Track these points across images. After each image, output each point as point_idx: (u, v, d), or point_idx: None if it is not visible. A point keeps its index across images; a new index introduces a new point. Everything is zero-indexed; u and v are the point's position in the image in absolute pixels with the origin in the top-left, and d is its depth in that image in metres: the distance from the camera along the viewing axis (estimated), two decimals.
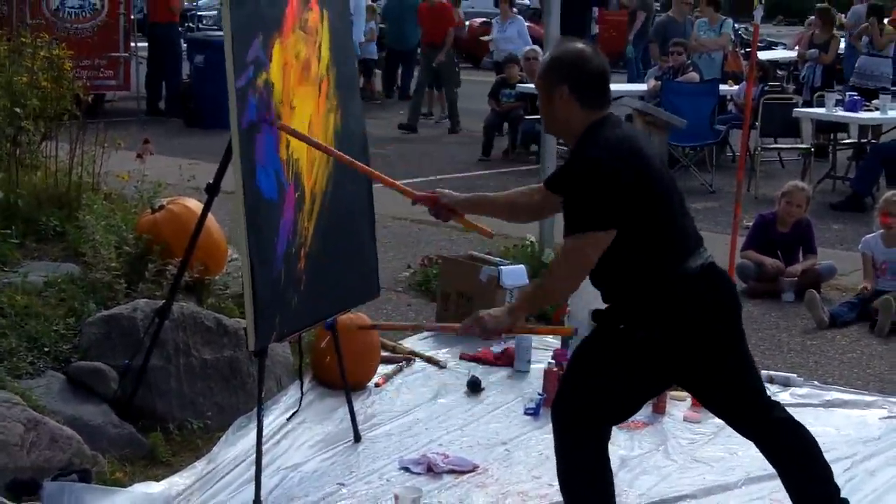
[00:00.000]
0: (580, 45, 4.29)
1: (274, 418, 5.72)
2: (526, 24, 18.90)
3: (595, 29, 22.59)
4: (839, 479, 5.29)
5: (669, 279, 4.11)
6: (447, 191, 4.73)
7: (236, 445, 5.40)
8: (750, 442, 5.59)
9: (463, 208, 4.67)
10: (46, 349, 5.57)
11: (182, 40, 18.17)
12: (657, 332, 4.13)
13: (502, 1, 18.33)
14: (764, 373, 6.65)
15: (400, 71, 21.13)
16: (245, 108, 4.63)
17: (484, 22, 26.75)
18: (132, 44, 16.95)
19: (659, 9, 22.74)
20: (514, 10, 18.82)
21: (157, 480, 4.94)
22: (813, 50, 16.04)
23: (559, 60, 4.22)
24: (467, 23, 24.46)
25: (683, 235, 4.20)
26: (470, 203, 4.70)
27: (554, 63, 4.22)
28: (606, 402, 4.24)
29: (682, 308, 4.13)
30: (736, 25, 17.04)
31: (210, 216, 5.63)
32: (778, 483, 5.24)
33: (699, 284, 4.16)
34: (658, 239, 4.10)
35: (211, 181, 5.16)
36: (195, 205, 6.47)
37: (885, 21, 15.69)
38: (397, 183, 4.98)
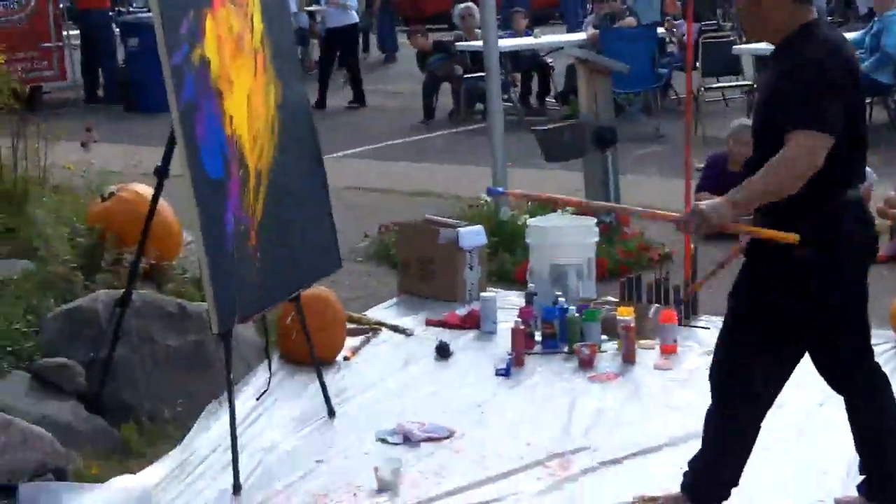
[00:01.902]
0: None
1: (245, 400, 5.68)
2: None
3: None
4: (814, 414, 5.36)
5: (840, 202, 4.00)
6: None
7: (210, 431, 5.36)
8: None
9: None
10: (9, 349, 5.47)
11: (114, 24, 17.89)
12: (824, 255, 3.99)
13: None
14: None
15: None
16: (182, 86, 4.57)
17: None
18: (63, 32, 16.71)
19: None
20: None
21: (134, 473, 4.89)
22: None
23: None
24: None
25: (859, 162, 4.10)
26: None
27: None
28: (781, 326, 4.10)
29: (848, 234, 4.02)
30: None
31: (162, 200, 5.56)
32: None
33: (860, 215, 4.10)
34: (843, 158, 3.94)
35: (159, 164, 5.10)
36: (145, 190, 6.39)
37: None
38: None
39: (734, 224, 4.01)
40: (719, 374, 4.29)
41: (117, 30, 17.59)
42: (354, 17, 16.72)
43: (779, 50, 4.11)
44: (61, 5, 16.98)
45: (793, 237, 3.90)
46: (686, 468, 4.44)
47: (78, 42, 17.19)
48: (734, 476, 4.34)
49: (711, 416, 4.35)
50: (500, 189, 4.40)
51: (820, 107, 3.87)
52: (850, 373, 4.31)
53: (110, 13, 18.42)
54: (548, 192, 8.64)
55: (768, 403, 4.30)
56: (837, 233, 4.01)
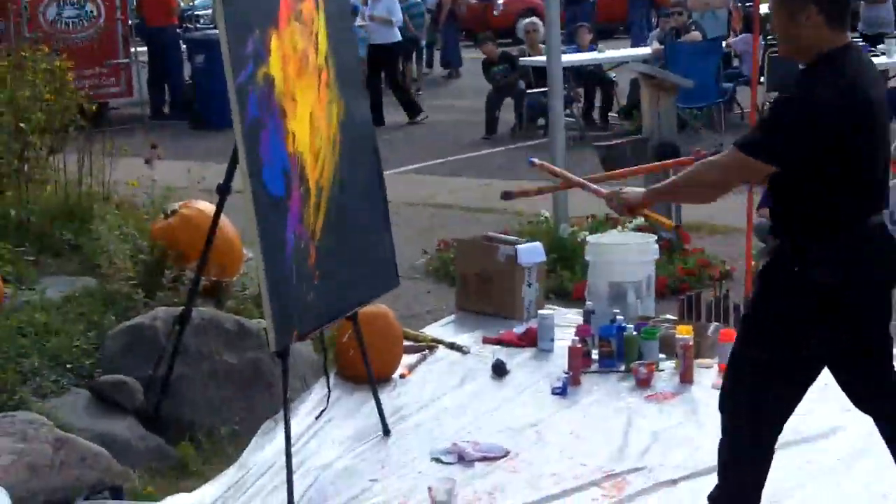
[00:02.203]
0: None
1: (301, 418, 5.70)
2: None
3: None
4: (875, 436, 5.27)
5: (854, 230, 4.00)
6: (629, 188, 4.45)
7: (265, 449, 5.38)
8: None
9: (648, 199, 4.39)
10: (69, 366, 5.55)
11: (181, 41, 18.09)
12: (839, 275, 3.97)
13: None
14: None
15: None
16: (246, 104, 4.61)
17: None
18: (132, 49, 16.90)
19: None
20: None
21: (189, 491, 4.92)
22: None
23: None
24: None
25: (877, 188, 4.08)
26: (654, 195, 4.43)
27: None
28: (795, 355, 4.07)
29: (867, 257, 4.01)
30: None
31: (223, 217, 5.61)
32: (812, 446, 5.24)
33: (879, 240, 4.07)
34: (851, 186, 3.96)
35: (221, 182, 5.14)
36: (208, 207, 6.44)
37: None
38: (591, 185, 4.77)
39: (643, 209, 4.45)
40: (729, 402, 4.21)
41: (184, 47, 17.80)
42: (398, 35, 16.69)
43: (804, 72, 4.06)
44: (130, 22, 17.16)
45: (669, 223, 4.83)
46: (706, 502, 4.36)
47: (145, 59, 17.38)
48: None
49: (724, 447, 4.27)
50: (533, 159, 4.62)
51: (767, 136, 3.95)
52: (872, 396, 4.25)
53: (178, 30, 18.63)
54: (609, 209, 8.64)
55: (779, 430, 4.21)
56: (851, 256, 3.98)
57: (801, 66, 4.08)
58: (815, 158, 3.90)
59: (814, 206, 3.96)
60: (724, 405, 4.23)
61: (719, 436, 5.11)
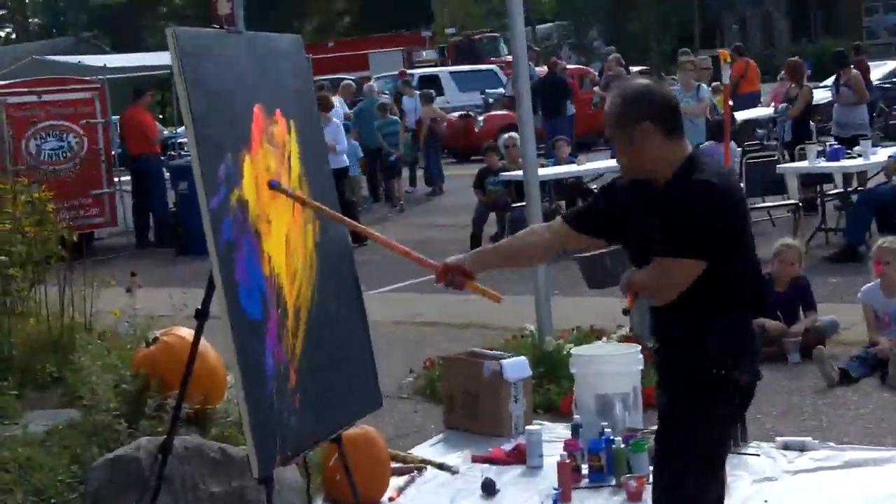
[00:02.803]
0: (640, 80, 4.32)
1: None
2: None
3: (572, 109, 22.72)
4: None
5: (745, 321, 4.19)
6: (452, 257, 4.69)
7: None
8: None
9: (472, 266, 4.59)
10: (53, 501, 5.49)
11: (164, 168, 18.22)
12: (749, 375, 4.23)
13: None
14: (779, 439, 6.62)
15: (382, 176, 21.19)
16: (221, 228, 4.62)
17: (463, 115, 26.99)
18: (115, 178, 17.01)
19: None
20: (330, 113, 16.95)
21: None
22: (783, 105, 16.11)
23: (633, 98, 4.15)
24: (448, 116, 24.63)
25: (751, 280, 4.25)
26: (480, 258, 4.66)
27: (628, 102, 4.15)
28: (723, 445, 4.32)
29: (754, 351, 4.22)
30: (709, 87, 17.14)
31: (206, 343, 5.59)
32: None
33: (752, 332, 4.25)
34: (742, 277, 4.14)
35: (198, 307, 5.13)
36: (189, 333, 6.40)
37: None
38: (410, 251, 5.00)
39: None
40: (671, 497, 4.28)
41: (167, 174, 17.91)
42: (344, 161, 16.73)
43: (666, 188, 4.13)
44: (113, 152, 17.29)
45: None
46: None
47: (128, 188, 17.48)
48: None
49: None
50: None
51: (706, 239, 4.05)
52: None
53: (161, 158, 18.76)
54: (594, 320, 8.64)
55: None
56: (750, 351, 4.20)
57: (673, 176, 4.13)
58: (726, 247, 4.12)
59: (720, 299, 4.11)
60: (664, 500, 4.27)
61: None
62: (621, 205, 4.32)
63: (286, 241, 5.09)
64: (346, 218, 5.26)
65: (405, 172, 21.96)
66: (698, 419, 4.18)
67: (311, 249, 5.30)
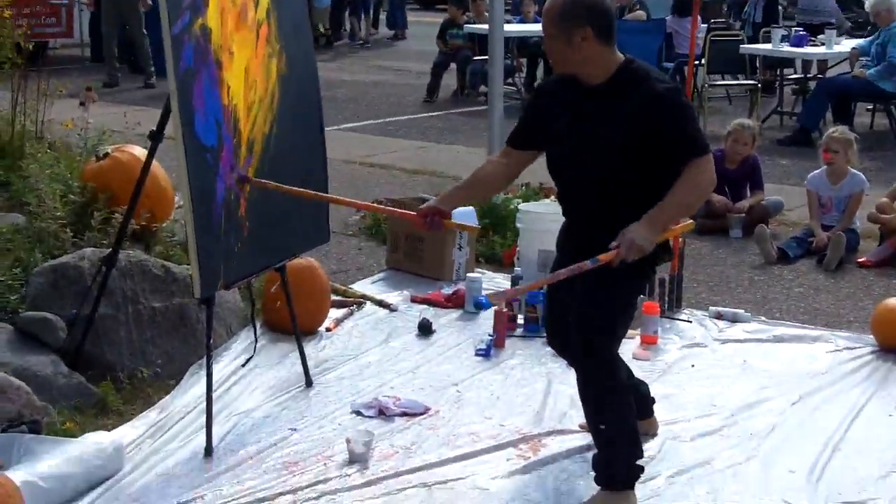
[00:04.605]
0: None
1: (224, 365, 5.72)
2: None
3: None
4: (787, 413, 5.40)
5: None
6: (424, 205, 4.70)
7: (188, 393, 5.39)
8: (698, 376, 5.72)
9: (444, 206, 4.63)
10: None
11: None
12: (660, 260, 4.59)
13: None
14: (712, 308, 6.76)
15: (347, 12, 20.96)
16: (181, 53, 4.59)
17: None
18: None
19: None
20: None
21: (109, 430, 4.91)
22: None
23: (578, 4, 4.29)
24: None
25: None
26: (448, 198, 4.71)
27: (574, 7, 4.29)
28: (627, 322, 4.58)
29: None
30: None
31: (156, 163, 5.59)
32: (730, 417, 5.36)
33: None
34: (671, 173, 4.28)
35: (153, 129, 5.12)
36: (141, 152, 6.41)
37: None
38: (395, 210, 4.99)
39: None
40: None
41: None
42: None
43: (602, 90, 4.34)
44: None
45: (690, 225, 4.77)
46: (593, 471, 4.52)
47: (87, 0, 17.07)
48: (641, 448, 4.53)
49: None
50: (485, 299, 4.58)
51: (696, 130, 4.35)
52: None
53: None
54: (543, 178, 8.69)
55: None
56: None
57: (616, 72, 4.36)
58: None
59: (655, 194, 4.26)
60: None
61: None
62: (545, 106, 4.53)
63: (245, 72, 5.06)
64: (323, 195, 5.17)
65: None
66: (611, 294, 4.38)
67: (275, 82, 5.27)
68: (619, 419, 4.44)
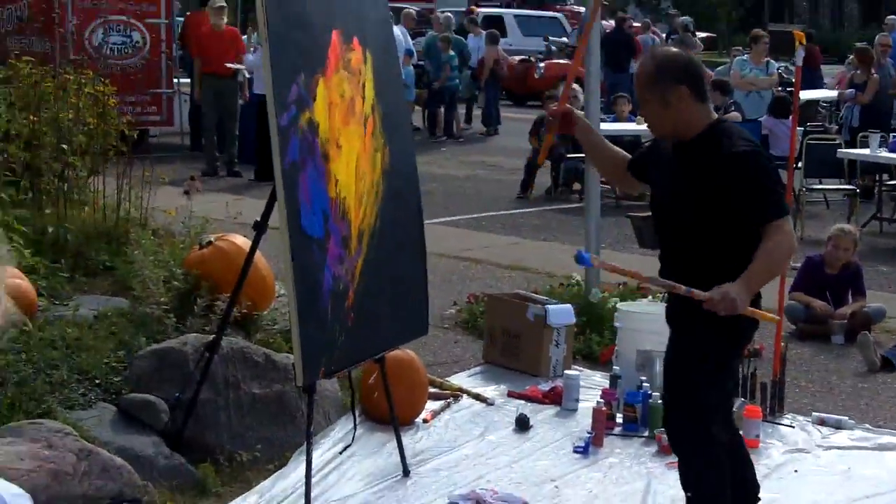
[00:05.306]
0: (679, 49, 4.69)
1: (322, 452, 5.71)
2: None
3: (635, 66, 22.58)
4: None
5: None
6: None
7: (287, 478, 5.40)
8: (801, 482, 5.57)
9: (581, 123, 4.93)
10: (98, 381, 5.59)
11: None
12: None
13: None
14: (815, 415, 6.62)
15: (442, 108, 21.18)
16: (287, 146, 4.66)
17: (523, 60, 26.83)
18: (175, 80, 17.01)
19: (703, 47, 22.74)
20: None
21: None
22: (850, 90, 15.96)
23: (672, 63, 4.44)
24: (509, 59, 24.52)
25: None
26: (586, 124, 4.99)
27: (668, 66, 4.42)
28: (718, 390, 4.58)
29: None
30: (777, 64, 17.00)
31: (258, 253, 5.63)
32: None
33: None
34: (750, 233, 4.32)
35: (258, 218, 5.18)
36: (243, 241, 6.49)
37: None
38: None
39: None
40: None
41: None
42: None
43: (691, 145, 4.42)
44: (174, 54, 17.26)
45: (776, 318, 4.85)
46: None
47: (187, 90, 17.38)
48: None
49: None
50: (588, 256, 4.65)
51: (776, 195, 4.34)
52: None
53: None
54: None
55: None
56: None
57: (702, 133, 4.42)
58: None
59: (743, 255, 4.28)
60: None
61: None
62: (654, 150, 4.71)
63: (356, 165, 5.12)
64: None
65: (461, 109, 21.95)
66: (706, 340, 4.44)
67: (380, 175, 5.34)
68: (710, 498, 4.44)
